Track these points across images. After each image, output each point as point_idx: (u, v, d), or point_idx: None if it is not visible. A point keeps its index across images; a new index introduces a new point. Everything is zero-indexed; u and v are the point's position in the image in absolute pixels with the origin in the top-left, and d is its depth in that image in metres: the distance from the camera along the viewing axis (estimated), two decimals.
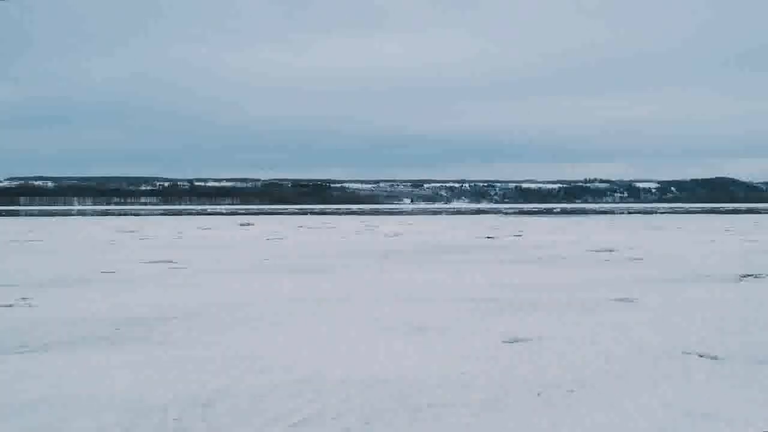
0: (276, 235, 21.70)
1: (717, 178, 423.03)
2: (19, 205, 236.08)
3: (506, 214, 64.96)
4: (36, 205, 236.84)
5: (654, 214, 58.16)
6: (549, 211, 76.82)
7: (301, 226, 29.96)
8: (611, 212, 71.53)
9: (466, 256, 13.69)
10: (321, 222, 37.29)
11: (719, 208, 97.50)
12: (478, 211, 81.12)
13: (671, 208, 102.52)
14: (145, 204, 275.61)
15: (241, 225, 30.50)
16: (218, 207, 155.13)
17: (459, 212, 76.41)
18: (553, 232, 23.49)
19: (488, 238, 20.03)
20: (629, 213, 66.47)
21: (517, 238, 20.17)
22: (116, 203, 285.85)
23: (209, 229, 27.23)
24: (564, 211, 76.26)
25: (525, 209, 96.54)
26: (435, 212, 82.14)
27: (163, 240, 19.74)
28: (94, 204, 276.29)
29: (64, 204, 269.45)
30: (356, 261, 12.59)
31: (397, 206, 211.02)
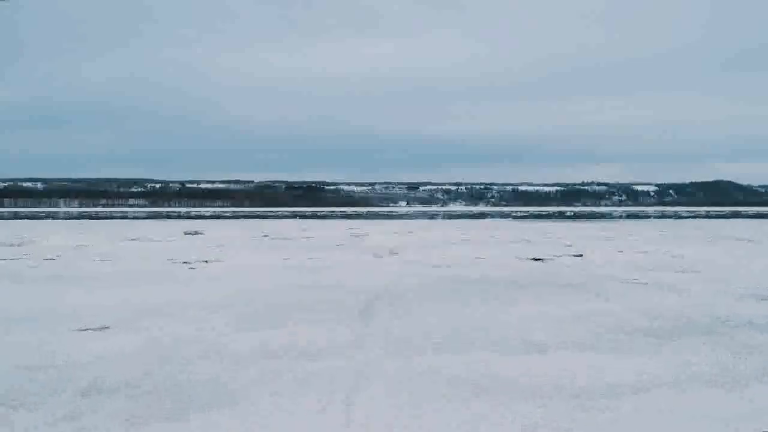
0: (211, 255, 14.50)
1: (716, 181, 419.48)
2: (3, 207, 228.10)
3: (516, 218, 57.74)
4: (20, 207, 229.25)
5: (685, 219, 51.09)
6: (562, 215, 69.75)
7: (266, 235, 22.75)
8: (632, 216, 64.44)
9: (533, 311, 6.55)
10: (300, 228, 30.09)
11: (741, 211, 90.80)
12: (483, 215, 73.80)
13: (691, 211, 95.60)
14: (133, 206, 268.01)
15: (186, 233, 23.27)
16: (202, 209, 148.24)
17: (464, 216, 69.07)
18: (614, 247, 16.38)
19: (536, 260, 12.87)
20: (654, 217, 59.27)
21: (578, 259, 13.03)
22: (103, 205, 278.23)
23: (136, 240, 20.01)
24: (579, 215, 69.16)
25: (533, 212, 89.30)
26: (433, 215, 75.02)
27: (14, 265, 12.50)
28: (81, 206, 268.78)
29: (50, 206, 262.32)
30: (300, 339, 5.42)
31: (393, 209, 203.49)
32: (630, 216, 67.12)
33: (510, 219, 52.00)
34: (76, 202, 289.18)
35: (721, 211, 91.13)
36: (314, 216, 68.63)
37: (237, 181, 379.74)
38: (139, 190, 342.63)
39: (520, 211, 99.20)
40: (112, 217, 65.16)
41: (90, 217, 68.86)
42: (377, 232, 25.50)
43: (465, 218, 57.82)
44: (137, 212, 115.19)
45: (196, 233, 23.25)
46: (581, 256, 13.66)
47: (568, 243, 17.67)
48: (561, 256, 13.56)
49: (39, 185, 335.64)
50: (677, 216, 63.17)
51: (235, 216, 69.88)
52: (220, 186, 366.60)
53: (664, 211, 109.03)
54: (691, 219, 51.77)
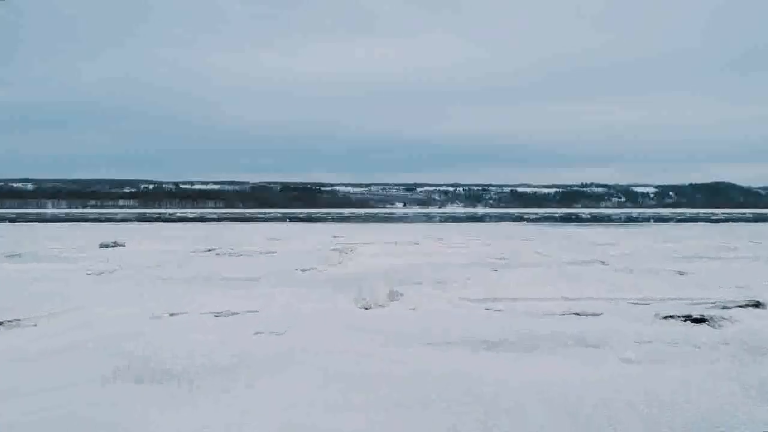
0: (60, 299, 7.76)
1: (716, 182, 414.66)
2: None
3: (528, 220, 51.14)
4: (7, 208, 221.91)
5: (719, 223, 44.52)
6: (578, 218, 63.34)
7: (212, 249, 16.03)
8: (646, 219, 57.90)
9: None
10: (270, 237, 23.38)
11: (764, 214, 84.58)
12: (489, 217, 67.15)
13: (710, 213, 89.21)
14: (123, 207, 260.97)
15: (102, 246, 16.56)
16: (188, 211, 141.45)
17: (469, 218, 62.26)
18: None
19: (695, 321, 6.20)
20: (681, 220, 52.64)
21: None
22: (93, 206, 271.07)
23: (15, 256, 13.33)
24: (594, 218, 62.71)
25: (544, 215, 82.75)
26: (434, 217, 68.42)
27: None
28: (69, 207, 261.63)
29: (38, 207, 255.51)
30: None
31: (390, 210, 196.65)
32: (646, 219, 60.63)
33: (524, 223, 45.34)
34: (65, 203, 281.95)
35: (743, 214, 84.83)
36: (307, 218, 62.03)
37: (232, 182, 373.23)
38: (132, 191, 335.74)
39: (531, 214, 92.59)
40: (83, 220, 58.37)
41: (67, 219, 61.96)
42: (370, 242, 18.81)
43: (472, 221, 51.12)
44: (121, 214, 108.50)
45: (115, 245, 16.55)
46: (761, 305, 7.02)
47: (677, 269, 10.99)
48: (731, 307, 6.87)
49: (29, 186, 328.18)
50: (705, 219, 56.59)
51: (220, 218, 63.12)
52: (215, 187, 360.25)
53: (684, 213, 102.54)
54: (727, 223, 45.26)
